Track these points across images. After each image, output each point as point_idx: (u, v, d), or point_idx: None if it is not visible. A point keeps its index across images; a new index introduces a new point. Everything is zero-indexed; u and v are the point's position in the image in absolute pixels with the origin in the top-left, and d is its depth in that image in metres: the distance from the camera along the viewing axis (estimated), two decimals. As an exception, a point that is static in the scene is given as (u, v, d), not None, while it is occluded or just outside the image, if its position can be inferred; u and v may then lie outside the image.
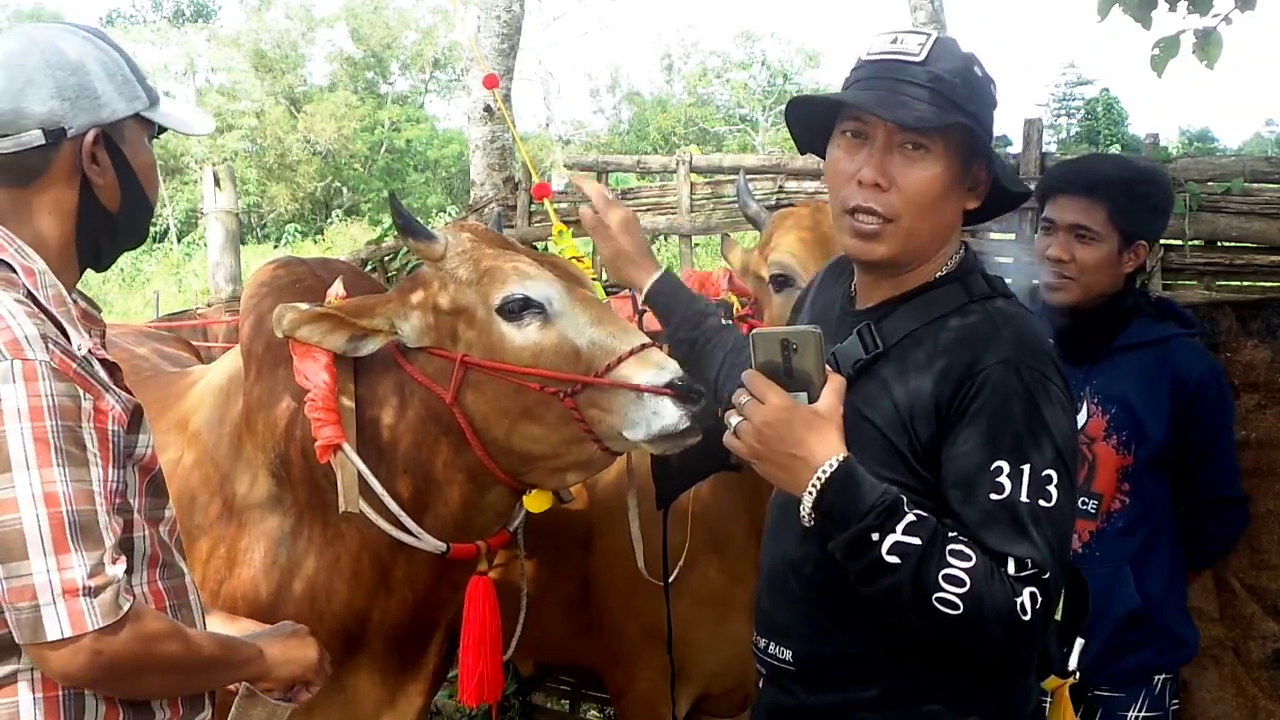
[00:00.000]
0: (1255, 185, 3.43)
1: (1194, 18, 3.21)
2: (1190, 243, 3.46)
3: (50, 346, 1.43)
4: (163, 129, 1.69)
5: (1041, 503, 1.48)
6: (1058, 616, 1.62)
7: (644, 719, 2.91)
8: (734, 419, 1.55)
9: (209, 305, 6.90)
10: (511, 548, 2.62)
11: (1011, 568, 1.46)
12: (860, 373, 1.61)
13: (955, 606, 1.44)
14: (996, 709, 1.61)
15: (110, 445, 1.47)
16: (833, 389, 1.52)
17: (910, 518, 1.47)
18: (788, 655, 1.67)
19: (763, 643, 1.72)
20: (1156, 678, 2.50)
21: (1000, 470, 1.48)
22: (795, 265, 2.53)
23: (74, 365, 1.45)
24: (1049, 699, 1.81)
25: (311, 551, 2.31)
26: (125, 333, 3.44)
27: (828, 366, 1.55)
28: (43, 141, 1.53)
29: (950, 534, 1.48)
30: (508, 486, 2.28)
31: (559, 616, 3.00)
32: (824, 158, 1.72)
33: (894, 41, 1.62)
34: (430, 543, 2.25)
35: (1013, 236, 3.80)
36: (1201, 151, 12.31)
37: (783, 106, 1.91)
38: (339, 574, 2.30)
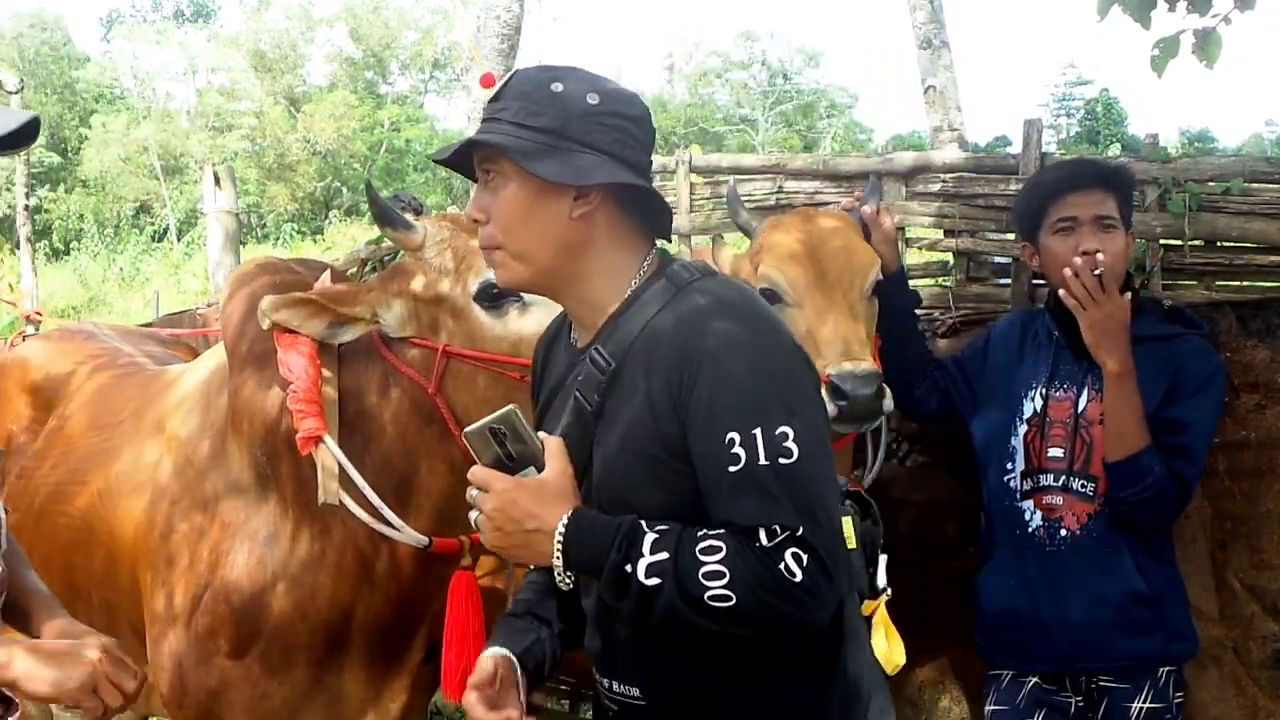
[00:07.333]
0: (1255, 185, 3.42)
1: (1194, 18, 3.21)
2: (1190, 243, 3.45)
3: None
4: None
5: (782, 460, 1.45)
6: (851, 545, 1.61)
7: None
8: (473, 516, 1.59)
9: (209, 305, 6.90)
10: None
11: (763, 538, 1.43)
12: (605, 396, 1.58)
13: (728, 599, 1.43)
14: (842, 677, 1.61)
15: None
16: (552, 451, 1.56)
17: (652, 536, 1.47)
18: (636, 692, 1.65)
19: (606, 681, 1.70)
20: (1161, 670, 2.49)
21: (732, 442, 1.46)
22: (783, 283, 2.51)
23: None
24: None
25: (297, 548, 2.31)
26: (126, 335, 3.44)
27: (541, 432, 1.59)
28: None
29: (698, 534, 1.46)
30: None
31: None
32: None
33: None
34: (411, 536, 2.25)
35: (1012, 237, 3.80)
36: (1201, 151, 12.32)
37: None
38: (324, 569, 2.30)
